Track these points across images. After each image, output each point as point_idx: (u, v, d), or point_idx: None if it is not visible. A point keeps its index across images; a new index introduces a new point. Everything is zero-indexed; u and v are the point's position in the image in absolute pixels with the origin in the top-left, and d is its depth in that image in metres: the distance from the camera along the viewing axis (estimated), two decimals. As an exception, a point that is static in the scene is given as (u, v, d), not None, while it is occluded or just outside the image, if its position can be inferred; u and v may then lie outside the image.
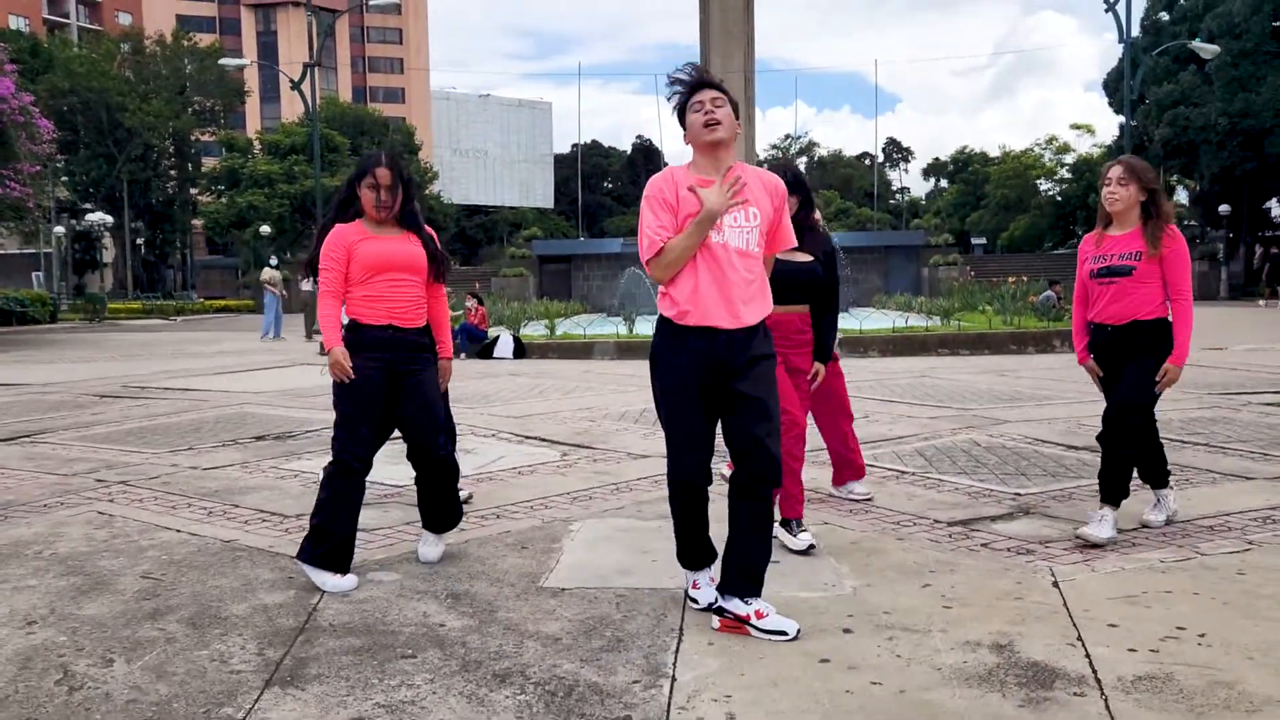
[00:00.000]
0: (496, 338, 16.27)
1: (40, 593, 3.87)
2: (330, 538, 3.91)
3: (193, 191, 61.67)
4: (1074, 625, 3.37)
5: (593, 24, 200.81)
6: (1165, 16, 44.56)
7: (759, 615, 3.30)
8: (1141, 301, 4.49)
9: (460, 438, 7.82)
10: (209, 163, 60.97)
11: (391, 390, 4.08)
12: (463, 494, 4.84)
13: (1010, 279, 23.69)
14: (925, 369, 12.98)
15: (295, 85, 24.50)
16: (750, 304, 3.36)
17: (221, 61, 38.95)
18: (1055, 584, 3.85)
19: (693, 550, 3.60)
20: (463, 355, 16.16)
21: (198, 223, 62.13)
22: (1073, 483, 5.79)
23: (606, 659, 3.12)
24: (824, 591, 3.80)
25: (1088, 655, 3.11)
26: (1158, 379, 4.52)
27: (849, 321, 16.85)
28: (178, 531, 4.81)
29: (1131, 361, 4.57)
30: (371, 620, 3.51)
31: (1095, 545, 4.36)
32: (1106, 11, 22.02)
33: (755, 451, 3.32)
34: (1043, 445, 7.06)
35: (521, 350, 15.91)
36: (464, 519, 4.96)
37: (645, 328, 16.28)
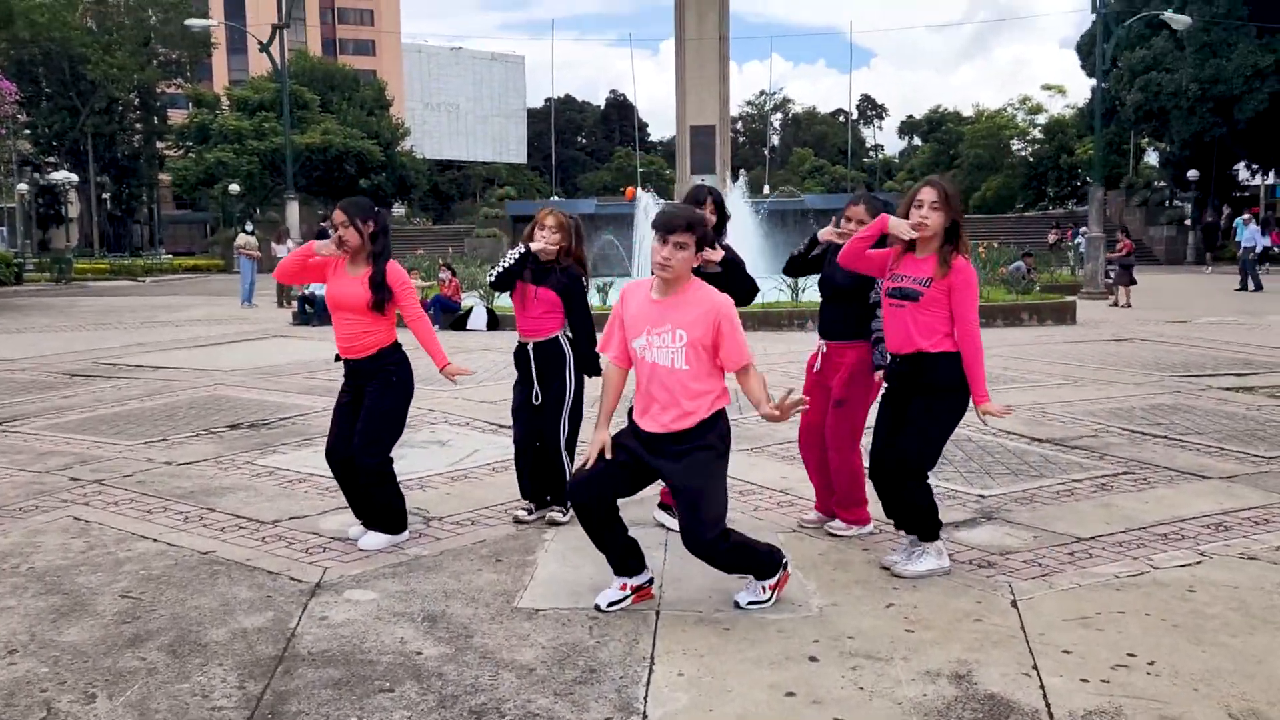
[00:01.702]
0: (470, 308, 16.25)
1: (19, 615, 3.92)
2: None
3: (159, 145, 60.60)
4: (1030, 652, 3.51)
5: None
6: (1139, -21, 44.47)
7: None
8: (924, 330, 4.23)
9: (434, 426, 7.90)
10: (175, 116, 59.83)
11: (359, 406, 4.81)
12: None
13: (980, 247, 23.80)
14: (896, 345, 13.10)
15: (264, 48, 24.07)
16: (668, 412, 3.80)
17: (188, 23, 38.33)
18: (1014, 603, 3.98)
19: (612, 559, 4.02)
20: (436, 327, 16.13)
21: (165, 177, 61.08)
22: (1034, 483, 5.94)
23: (580, 693, 3.22)
24: (791, 612, 3.91)
25: (1042, 687, 3.25)
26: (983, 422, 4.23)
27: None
28: (155, 541, 4.85)
29: (919, 406, 4.28)
30: (349, 647, 3.59)
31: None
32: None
33: (685, 528, 3.86)
34: (1007, 438, 7.21)
35: (495, 321, 15.90)
36: (438, 524, 5.04)
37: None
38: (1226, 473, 6.15)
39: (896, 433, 4.37)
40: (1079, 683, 3.27)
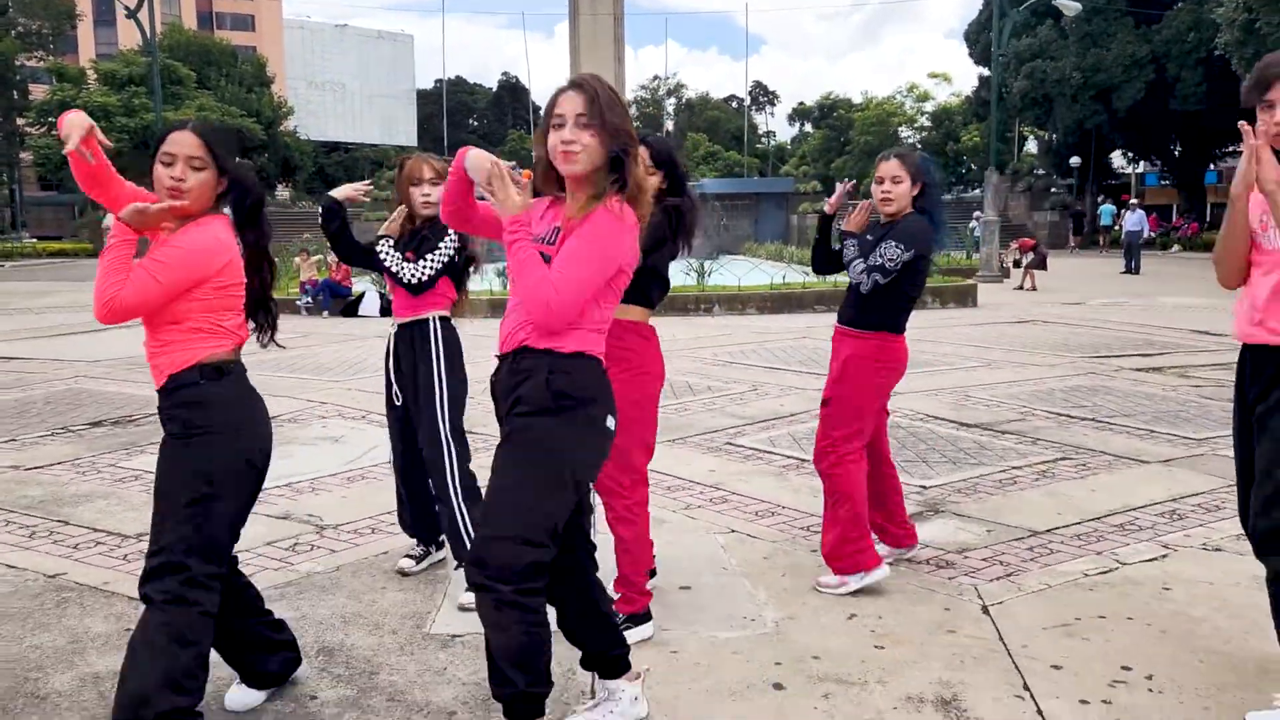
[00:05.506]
0: (362, 294, 15.40)
1: None
2: None
3: (19, 122, 56.80)
4: (1017, 669, 3.13)
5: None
6: (1023, -30, 45.57)
7: None
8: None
9: (326, 420, 7.22)
10: (38, 91, 56.19)
11: None
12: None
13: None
14: (805, 328, 12.88)
15: (131, 14, 22.48)
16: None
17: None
18: (985, 609, 3.61)
19: None
20: (325, 314, 15.26)
21: (27, 156, 57.32)
22: (974, 471, 5.63)
23: (511, 742, 2.69)
24: (745, 629, 3.46)
25: (1040, 712, 2.86)
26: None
27: (726, 277, 16.66)
28: (-9, 563, 4.12)
29: None
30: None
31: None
32: (976, -35, 22.17)
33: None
34: (936, 423, 6.93)
35: (388, 307, 15.08)
36: (333, 533, 4.42)
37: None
38: (1163, 456, 5.96)
39: None
40: (1078, 705, 2.90)
